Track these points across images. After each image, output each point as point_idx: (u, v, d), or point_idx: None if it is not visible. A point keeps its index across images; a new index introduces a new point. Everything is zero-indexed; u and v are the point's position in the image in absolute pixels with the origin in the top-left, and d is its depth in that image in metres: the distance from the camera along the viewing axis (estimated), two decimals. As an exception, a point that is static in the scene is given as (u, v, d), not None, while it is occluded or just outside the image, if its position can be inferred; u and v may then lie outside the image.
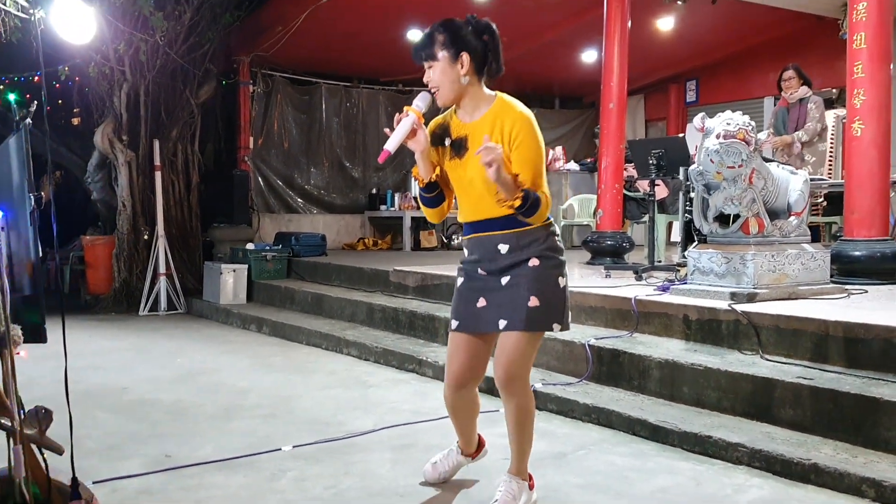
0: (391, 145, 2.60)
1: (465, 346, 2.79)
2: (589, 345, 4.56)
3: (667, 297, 4.80)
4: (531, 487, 2.88)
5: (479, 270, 2.75)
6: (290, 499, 2.97)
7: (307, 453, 3.53)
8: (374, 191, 10.92)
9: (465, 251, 2.84)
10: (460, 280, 2.83)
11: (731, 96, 11.35)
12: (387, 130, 2.66)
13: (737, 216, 4.73)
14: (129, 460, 3.42)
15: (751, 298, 4.49)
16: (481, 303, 2.73)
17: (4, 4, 7.31)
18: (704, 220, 4.89)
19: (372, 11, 8.70)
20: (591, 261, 7.39)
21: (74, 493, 1.67)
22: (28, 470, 1.64)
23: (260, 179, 10.46)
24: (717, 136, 4.55)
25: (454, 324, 2.81)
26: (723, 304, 4.39)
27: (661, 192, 7.29)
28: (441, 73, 2.62)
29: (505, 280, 2.69)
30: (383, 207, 10.49)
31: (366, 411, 4.27)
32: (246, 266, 8.46)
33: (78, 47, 7.83)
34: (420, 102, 2.68)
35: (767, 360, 3.98)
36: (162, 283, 8.66)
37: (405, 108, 2.65)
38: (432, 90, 2.67)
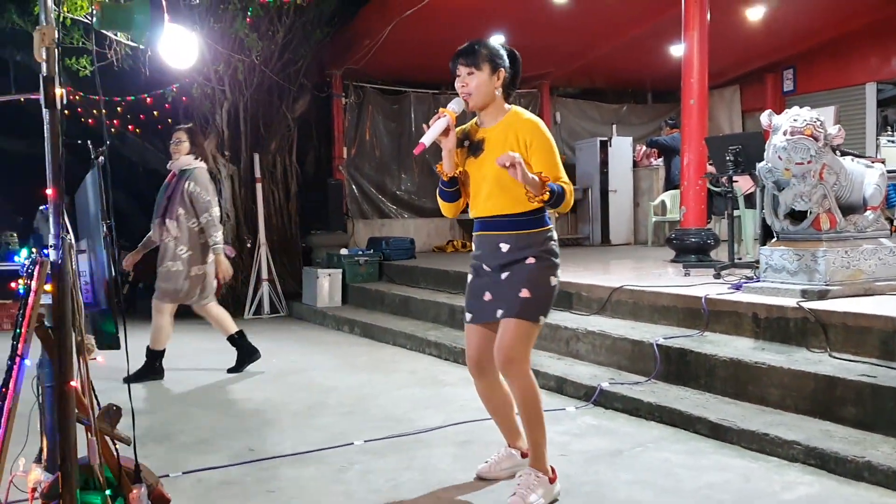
0: (427, 139, 2.94)
1: (477, 335, 3.13)
2: (657, 344, 4.62)
3: (737, 296, 4.80)
4: (552, 481, 3.03)
5: (484, 266, 3.08)
6: (352, 489, 3.23)
7: (376, 448, 3.78)
8: (463, 193, 11.15)
9: (473, 247, 3.18)
10: (470, 276, 3.17)
11: (830, 84, 10.95)
12: (424, 126, 3.00)
13: (808, 213, 4.67)
14: (216, 453, 3.77)
15: (822, 296, 4.44)
16: (487, 297, 3.07)
17: (116, 36, 7.97)
18: (775, 217, 4.85)
19: (454, 20, 8.91)
20: (676, 258, 7.37)
21: (137, 478, 1.96)
22: (102, 458, 1.94)
23: (354, 187, 10.91)
24: (785, 133, 4.53)
25: (468, 316, 3.16)
26: (791, 302, 4.36)
27: (749, 185, 7.18)
28: (480, 81, 2.99)
29: (504, 275, 3.02)
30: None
31: (437, 409, 4.49)
32: (340, 270, 8.88)
33: (182, 70, 8.43)
34: (454, 106, 3.02)
35: (835, 357, 3.95)
36: (265, 288, 9.19)
37: (440, 110, 3.00)
38: (466, 94, 3.00)
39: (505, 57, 3.05)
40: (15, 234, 13.24)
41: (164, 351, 5.57)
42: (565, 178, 2.98)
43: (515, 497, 2.92)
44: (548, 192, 2.85)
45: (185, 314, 9.35)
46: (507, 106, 3.08)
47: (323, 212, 10.26)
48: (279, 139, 9.77)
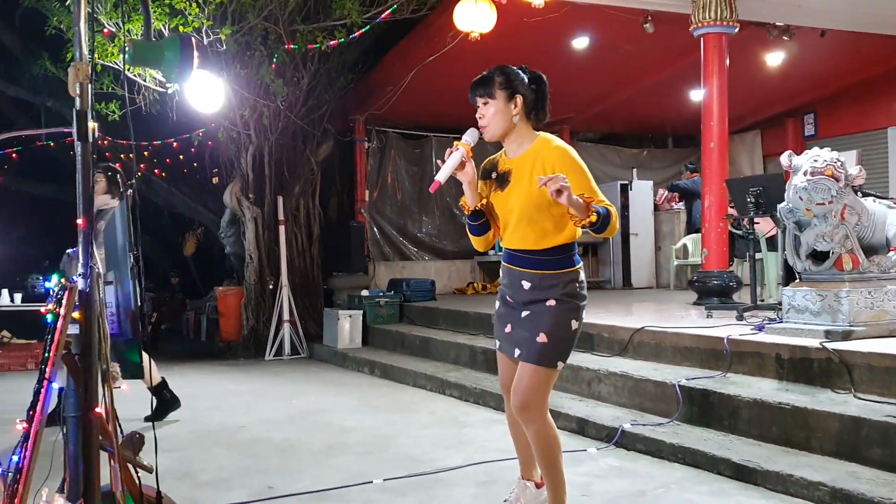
0: (441, 176, 2.84)
1: (506, 363, 3.07)
2: (680, 385, 4.58)
3: (760, 337, 4.76)
4: None
5: (508, 297, 3.02)
6: (372, 527, 3.21)
7: (395, 487, 3.75)
8: (484, 236, 11.24)
9: (501, 273, 3.10)
10: (497, 304, 3.11)
11: (851, 128, 10.97)
12: (439, 162, 2.91)
13: (830, 253, 4.65)
14: (235, 491, 3.76)
15: (846, 336, 4.39)
16: (508, 329, 3.01)
17: (145, 81, 8.18)
18: (797, 257, 4.83)
19: (475, 65, 9.01)
20: (698, 301, 7.32)
21: (158, 505, 1.97)
22: (124, 485, 1.95)
23: (375, 229, 11.03)
24: (805, 174, 4.53)
25: (497, 343, 3.11)
26: (814, 343, 4.32)
27: (770, 227, 7.16)
28: (495, 110, 2.88)
29: (525, 314, 2.94)
30: (492, 252, 10.70)
31: (457, 450, 4.46)
32: (361, 312, 8.90)
33: (209, 115, 8.62)
34: (469, 138, 2.91)
35: (860, 398, 3.89)
36: (286, 329, 9.22)
37: (455, 143, 2.89)
38: (482, 126, 2.91)
39: (525, 81, 2.91)
40: (41, 277, 13.42)
41: (163, 381, 5.55)
42: (606, 200, 2.79)
43: None
44: (595, 214, 2.68)
45: (205, 355, 9.45)
46: (533, 133, 2.96)
47: (345, 254, 10.34)
48: (303, 183, 9.91)
